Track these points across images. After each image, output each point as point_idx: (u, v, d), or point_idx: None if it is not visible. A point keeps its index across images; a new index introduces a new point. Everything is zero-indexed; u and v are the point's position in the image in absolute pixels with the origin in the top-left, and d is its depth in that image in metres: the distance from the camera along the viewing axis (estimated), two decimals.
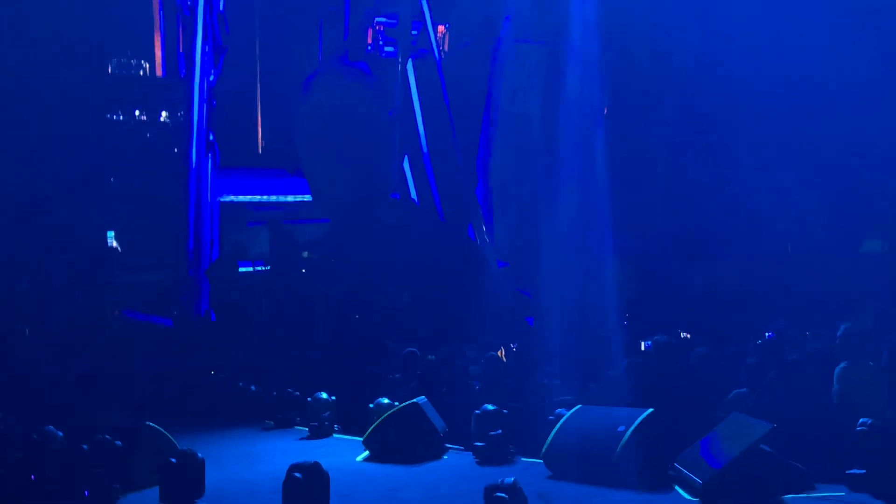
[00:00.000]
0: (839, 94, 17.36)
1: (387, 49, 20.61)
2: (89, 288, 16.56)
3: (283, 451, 10.91)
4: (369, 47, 20.86)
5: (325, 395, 12.04)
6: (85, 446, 8.46)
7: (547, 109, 19.50)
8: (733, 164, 18.32)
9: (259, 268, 18.13)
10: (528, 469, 9.62)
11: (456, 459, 10.45)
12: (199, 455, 8.52)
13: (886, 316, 13.71)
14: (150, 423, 9.35)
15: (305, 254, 18.92)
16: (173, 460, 8.39)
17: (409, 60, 19.94)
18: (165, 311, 17.29)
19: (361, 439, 10.78)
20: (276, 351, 14.84)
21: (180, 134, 19.27)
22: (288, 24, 22.56)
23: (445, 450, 10.70)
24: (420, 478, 9.62)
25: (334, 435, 11.94)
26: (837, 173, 17.57)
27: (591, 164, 18.03)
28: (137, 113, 20.77)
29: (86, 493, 8.20)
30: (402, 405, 10.76)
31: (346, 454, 10.67)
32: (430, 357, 12.13)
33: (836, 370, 9.45)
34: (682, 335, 14.32)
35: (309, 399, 12.12)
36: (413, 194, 19.81)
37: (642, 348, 12.90)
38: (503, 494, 7.41)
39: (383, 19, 20.70)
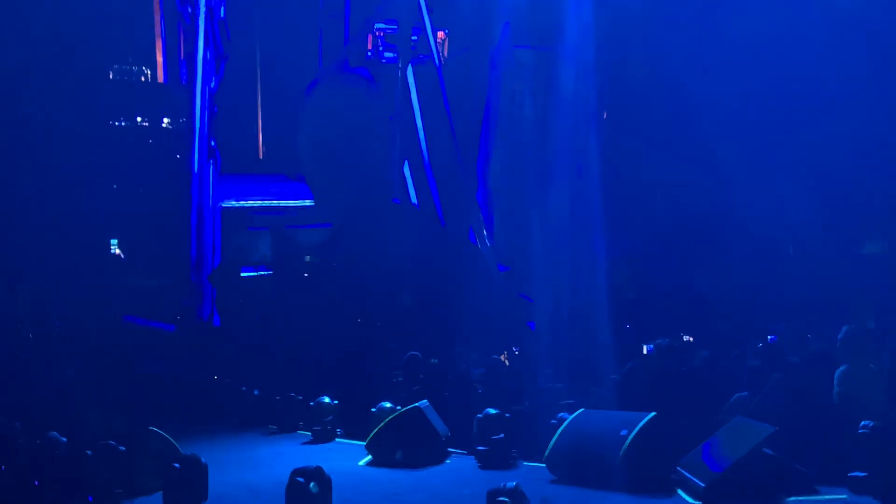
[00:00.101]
0: (839, 95, 17.39)
1: (387, 55, 20.65)
2: (92, 293, 16.59)
3: (286, 455, 10.91)
4: (369, 53, 20.92)
5: (327, 400, 12.05)
6: (89, 452, 8.48)
7: (546, 114, 19.54)
8: (733, 166, 18.32)
9: (262, 272, 18.16)
10: (530, 473, 9.62)
11: (458, 463, 10.45)
12: (203, 460, 8.52)
13: (887, 317, 13.69)
14: (154, 429, 9.37)
15: (308, 258, 18.94)
16: (177, 465, 8.39)
17: (409, 66, 20.00)
18: (168, 315, 17.32)
19: (364, 443, 10.79)
20: (278, 355, 14.84)
21: (182, 140, 19.33)
22: (288, 31, 22.63)
23: (448, 454, 10.69)
24: (422, 482, 9.62)
25: (337, 439, 11.95)
26: (838, 175, 17.57)
27: (590, 167, 18.06)
28: (139, 119, 20.85)
29: (89, 498, 8.22)
30: (404, 409, 10.76)
31: (348, 458, 10.68)
32: (432, 361, 12.14)
33: (837, 373, 9.44)
34: (685, 338, 14.33)
35: (312, 403, 12.13)
36: (414, 198, 19.85)
37: (644, 352, 12.90)
38: (506, 498, 7.39)
39: (383, 25, 20.75)
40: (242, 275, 17.65)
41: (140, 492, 8.80)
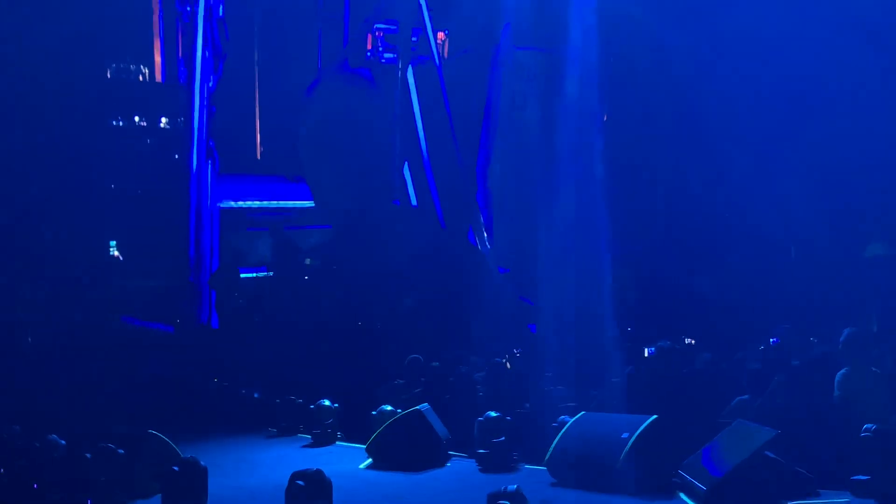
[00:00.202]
0: (841, 96, 17.37)
1: (387, 55, 20.62)
2: (91, 294, 16.55)
3: (285, 458, 10.88)
4: (369, 54, 20.88)
5: (327, 403, 12.01)
6: (87, 455, 8.45)
7: (546, 115, 19.52)
8: (735, 168, 18.32)
9: (262, 273, 18.13)
10: (531, 476, 9.59)
11: (459, 466, 10.42)
12: (202, 463, 8.48)
13: (890, 320, 13.68)
14: (153, 431, 9.33)
15: (308, 260, 18.91)
16: (176, 468, 8.36)
17: (410, 67, 19.96)
18: (166, 317, 17.27)
19: (364, 447, 10.75)
20: (278, 358, 14.80)
21: (180, 140, 19.28)
22: (287, 31, 22.59)
23: (448, 457, 10.66)
24: (423, 485, 9.60)
25: (337, 442, 11.91)
26: (841, 177, 17.55)
27: (591, 169, 18.04)
28: (137, 119, 20.79)
29: (88, 501, 8.19)
30: (404, 412, 10.73)
31: (349, 461, 10.64)
32: (433, 363, 12.11)
33: (838, 376, 9.42)
34: (686, 341, 14.31)
35: (312, 406, 12.09)
36: (413, 200, 19.82)
37: (646, 354, 12.87)
38: (506, 501, 7.37)
39: (383, 25, 20.72)
40: (241, 276, 17.59)
41: (139, 495, 8.78)
